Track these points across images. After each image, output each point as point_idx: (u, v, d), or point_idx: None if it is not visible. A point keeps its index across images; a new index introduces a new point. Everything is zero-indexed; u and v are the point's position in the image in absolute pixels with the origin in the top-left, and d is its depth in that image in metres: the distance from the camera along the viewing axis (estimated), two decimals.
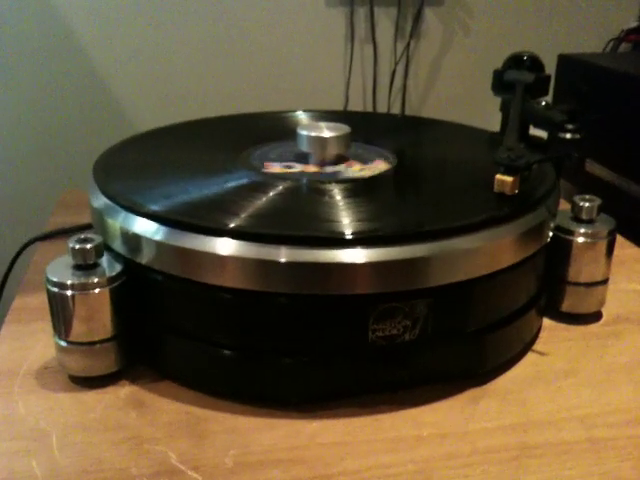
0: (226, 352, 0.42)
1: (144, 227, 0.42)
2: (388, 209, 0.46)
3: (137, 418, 0.41)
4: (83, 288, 0.41)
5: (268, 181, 0.49)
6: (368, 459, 0.38)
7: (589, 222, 0.50)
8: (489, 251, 0.42)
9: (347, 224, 0.42)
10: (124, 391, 0.43)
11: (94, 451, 0.38)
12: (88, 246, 0.42)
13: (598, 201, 0.51)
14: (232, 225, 0.41)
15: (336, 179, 0.49)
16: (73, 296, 0.41)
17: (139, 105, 1.15)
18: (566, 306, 0.51)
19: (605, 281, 0.51)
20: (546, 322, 0.52)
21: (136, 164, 0.54)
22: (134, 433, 0.40)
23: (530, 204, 0.46)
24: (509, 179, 0.45)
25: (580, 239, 0.49)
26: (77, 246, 0.42)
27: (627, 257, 0.62)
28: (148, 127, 0.63)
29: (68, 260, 0.42)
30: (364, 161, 0.53)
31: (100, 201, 0.47)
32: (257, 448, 0.39)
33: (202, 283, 0.41)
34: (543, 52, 0.64)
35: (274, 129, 0.62)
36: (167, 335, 0.44)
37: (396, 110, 1.23)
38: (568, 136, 0.52)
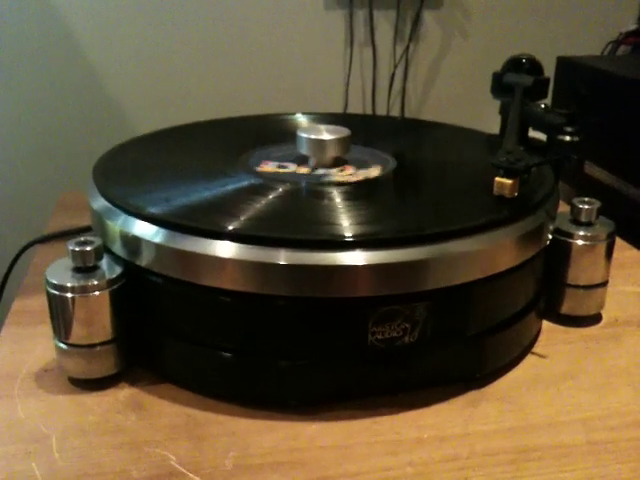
0: (226, 354, 0.42)
1: (144, 230, 0.42)
2: (388, 212, 0.47)
3: (137, 421, 0.41)
4: (83, 290, 0.41)
5: (267, 184, 0.49)
6: (368, 462, 0.38)
7: (588, 225, 0.50)
8: (488, 254, 0.42)
9: (347, 227, 0.42)
10: (124, 393, 0.43)
11: (94, 454, 0.38)
12: (88, 248, 0.42)
13: (597, 204, 0.51)
14: (232, 228, 0.41)
15: (320, 182, 0.49)
16: (73, 298, 0.41)
17: (138, 105, 1.15)
18: (565, 309, 0.51)
19: (604, 283, 0.51)
20: (545, 325, 0.52)
21: (136, 167, 0.54)
22: (134, 436, 0.40)
23: (529, 207, 0.46)
24: (508, 182, 0.45)
25: (579, 242, 0.50)
26: (77, 248, 0.42)
27: (626, 259, 0.62)
28: (147, 127, 0.63)
29: (68, 262, 0.42)
30: (361, 165, 0.53)
31: (100, 203, 0.47)
32: (257, 450, 0.39)
33: (202, 286, 0.41)
34: (542, 55, 0.64)
35: (274, 132, 0.62)
36: (167, 337, 0.44)
37: (395, 113, 1.23)
38: (567, 139, 0.53)
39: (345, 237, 0.40)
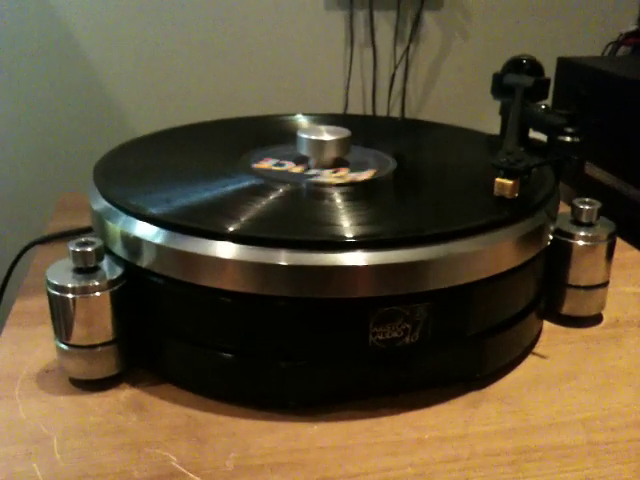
0: (226, 355, 0.42)
1: (145, 230, 0.42)
2: (388, 212, 0.47)
3: (138, 421, 0.41)
4: (84, 291, 0.41)
5: (268, 184, 0.49)
6: (368, 462, 0.38)
7: (589, 225, 0.50)
8: (489, 255, 0.42)
9: (347, 227, 0.42)
10: (124, 394, 0.43)
11: (95, 454, 0.38)
12: (89, 249, 0.42)
13: (598, 204, 0.51)
14: (232, 229, 0.41)
15: (307, 182, 0.49)
16: (74, 299, 0.41)
17: (138, 105, 1.15)
18: (566, 309, 0.51)
19: (605, 284, 0.51)
20: (546, 325, 0.52)
21: (136, 167, 0.54)
22: (135, 436, 0.40)
23: (530, 208, 0.46)
24: (509, 182, 0.45)
25: (580, 242, 0.50)
26: (78, 249, 0.42)
27: (627, 260, 0.62)
28: (147, 127, 0.63)
29: (68, 263, 0.42)
30: (357, 167, 0.52)
31: (100, 204, 0.47)
32: (257, 451, 0.39)
33: (202, 286, 0.41)
34: (542, 55, 0.64)
35: (274, 132, 0.63)
36: (167, 338, 0.44)
37: (396, 113, 1.23)
38: (568, 139, 0.53)
39: (346, 238, 0.40)
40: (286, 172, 0.51)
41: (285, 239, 0.40)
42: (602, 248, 0.50)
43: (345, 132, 0.53)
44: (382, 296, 0.40)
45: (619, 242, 0.54)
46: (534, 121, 0.56)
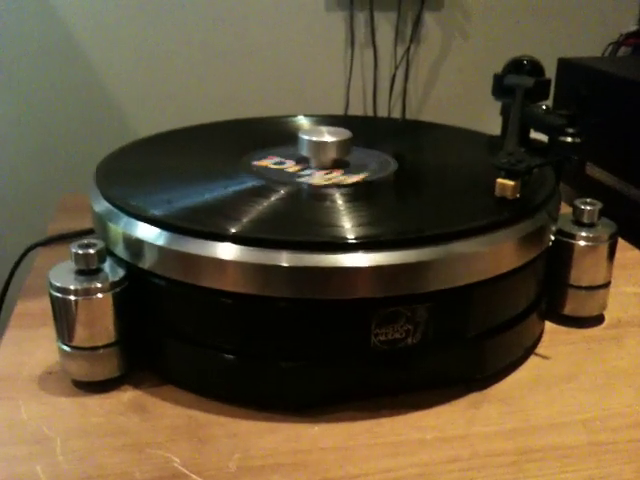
0: (228, 356, 0.42)
1: (146, 232, 0.42)
2: (389, 213, 0.47)
3: (139, 423, 0.41)
4: (86, 293, 0.41)
5: (269, 186, 0.49)
6: (369, 463, 0.38)
7: (590, 226, 0.50)
8: (490, 255, 0.42)
9: (348, 229, 0.42)
10: (126, 396, 0.43)
11: (97, 456, 0.38)
12: (91, 251, 0.42)
13: (599, 205, 0.51)
14: (234, 230, 0.41)
15: (297, 183, 0.49)
16: (76, 301, 0.41)
17: (138, 106, 1.15)
18: (568, 310, 0.51)
19: (607, 284, 0.51)
20: (547, 326, 0.52)
21: (138, 169, 0.54)
22: (136, 438, 0.40)
23: (531, 208, 0.46)
24: (510, 183, 0.45)
25: (581, 242, 0.50)
26: (80, 251, 0.42)
27: (628, 260, 0.63)
28: (147, 128, 0.64)
29: (70, 265, 0.42)
30: (355, 169, 0.52)
31: (102, 206, 0.47)
32: (258, 452, 0.39)
33: (204, 288, 0.41)
34: (543, 56, 0.64)
35: (275, 134, 0.63)
36: (169, 340, 0.44)
37: (396, 114, 1.23)
38: (568, 140, 0.53)
39: (347, 239, 0.40)
40: (280, 171, 0.52)
41: (286, 240, 0.40)
42: (603, 249, 0.50)
43: (346, 133, 0.53)
44: (383, 297, 0.40)
45: (620, 242, 0.54)
46: (535, 122, 0.56)
